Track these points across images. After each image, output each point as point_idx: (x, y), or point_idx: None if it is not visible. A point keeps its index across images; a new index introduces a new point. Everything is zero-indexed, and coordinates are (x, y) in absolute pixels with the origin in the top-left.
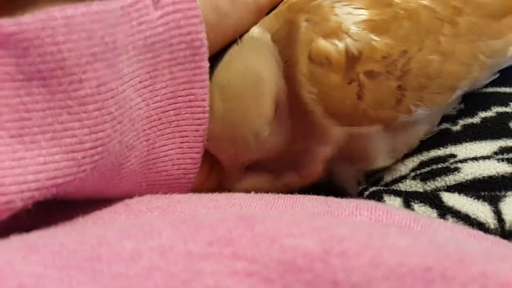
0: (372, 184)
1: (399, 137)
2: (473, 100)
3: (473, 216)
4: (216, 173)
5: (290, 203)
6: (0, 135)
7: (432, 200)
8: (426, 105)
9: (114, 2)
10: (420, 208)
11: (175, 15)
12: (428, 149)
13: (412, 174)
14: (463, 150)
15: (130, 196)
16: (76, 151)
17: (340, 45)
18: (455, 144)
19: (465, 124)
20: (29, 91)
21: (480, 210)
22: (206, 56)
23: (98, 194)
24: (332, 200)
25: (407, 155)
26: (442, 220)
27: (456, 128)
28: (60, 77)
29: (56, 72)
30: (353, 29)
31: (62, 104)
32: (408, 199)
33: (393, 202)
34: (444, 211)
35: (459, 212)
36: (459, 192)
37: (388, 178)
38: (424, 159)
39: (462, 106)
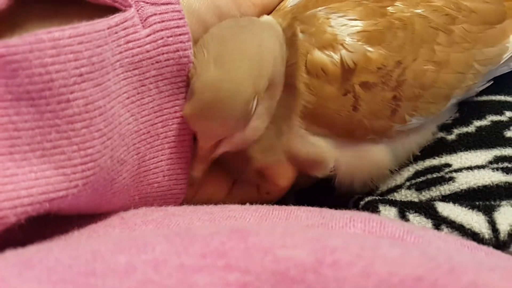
0: (367, 194)
1: (398, 146)
2: (468, 109)
3: (467, 226)
4: (240, 189)
5: (285, 214)
6: None
7: (427, 210)
8: (420, 114)
9: (101, 23)
10: (415, 218)
11: (163, 33)
12: (423, 158)
13: (407, 183)
14: (458, 159)
15: (125, 209)
16: (65, 167)
17: (336, 56)
18: (450, 153)
19: (460, 133)
20: (18, 111)
21: (475, 220)
22: (190, 69)
23: (93, 209)
24: (326, 212)
25: (402, 165)
26: (436, 231)
27: (451, 137)
28: (48, 97)
29: (44, 93)
30: (348, 40)
31: (51, 123)
32: (403, 209)
33: (388, 212)
34: (439, 221)
35: (454, 222)
36: (454, 202)
37: (383, 187)
38: (419, 169)
39: (457, 115)
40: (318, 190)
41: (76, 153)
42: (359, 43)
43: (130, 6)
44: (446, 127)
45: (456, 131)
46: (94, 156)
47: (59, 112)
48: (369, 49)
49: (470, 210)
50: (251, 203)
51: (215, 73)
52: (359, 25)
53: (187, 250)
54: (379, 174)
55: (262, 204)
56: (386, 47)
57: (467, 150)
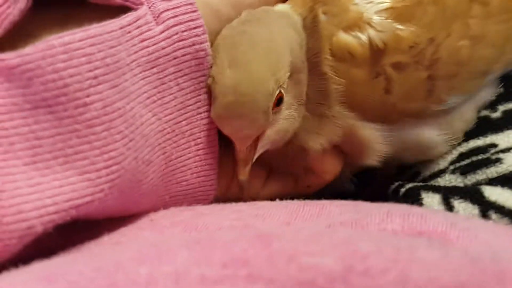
0: (408, 179)
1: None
2: None
3: None
4: (276, 180)
5: (316, 210)
6: (15, 163)
7: (473, 195)
8: (457, 92)
9: (112, 23)
10: (460, 205)
11: (178, 28)
12: (467, 139)
13: (451, 167)
14: (504, 138)
15: (155, 210)
16: (89, 172)
17: (363, 37)
18: (496, 132)
19: (505, 110)
20: (37, 119)
21: None
22: (210, 64)
23: (122, 212)
24: (361, 206)
25: None
26: (483, 221)
27: (496, 114)
28: (65, 103)
29: (60, 98)
30: (376, 18)
31: (70, 128)
32: (447, 195)
33: (431, 199)
34: (486, 206)
35: (503, 207)
36: (502, 185)
37: (426, 172)
38: (463, 151)
39: (502, 90)
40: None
41: (99, 157)
42: (388, 20)
43: (141, 4)
44: (490, 104)
45: (501, 108)
46: (118, 159)
47: (78, 117)
48: (399, 26)
49: None
50: (286, 197)
51: (231, 76)
52: (386, 1)
53: (208, 260)
54: (427, 156)
55: (297, 196)
56: (417, 23)
57: None
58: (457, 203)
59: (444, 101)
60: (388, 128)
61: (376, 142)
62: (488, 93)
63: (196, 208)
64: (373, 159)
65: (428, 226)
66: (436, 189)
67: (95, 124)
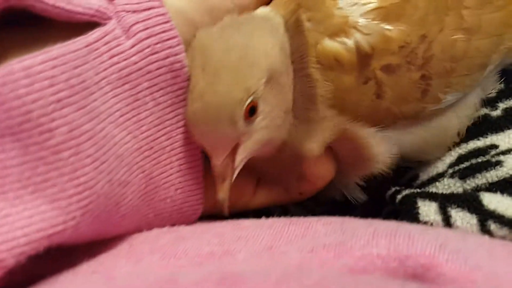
0: (406, 184)
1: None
2: None
3: None
4: (266, 189)
5: (302, 230)
6: None
7: (471, 203)
8: (455, 89)
9: (77, 42)
10: (457, 214)
11: (150, 40)
12: (466, 140)
13: (450, 171)
14: (505, 139)
15: (141, 229)
16: (60, 200)
17: (350, 42)
18: (496, 132)
19: (506, 108)
20: (3, 148)
21: None
22: (187, 75)
23: (101, 235)
24: (348, 224)
25: None
26: (478, 237)
27: (496, 113)
28: (29, 130)
29: (25, 125)
30: (362, 21)
31: (37, 156)
32: (445, 203)
33: (428, 208)
34: (485, 216)
35: (502, 216)
36: (502, 192)
37: (424, 176)
38: (463, 153)
39: (502, 85)
40: None
41: (69, 183)
42: (375, 22)
43: (110, 18)
44: (490, 102)
45: (502, 105)
46: (89, 184)
47: (43, 143)
48: (387, 27)
49: None
50: (278, 204)
51: (201, 82)
52: (372, 1)
53: None
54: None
55: (284, 209)
56: (407, 21)
57: None
58: (454, 212)
59: (441, 100)
60: (384, 130)
61: (379, 145)
62: (487, 86)
63: (179, 230)
64: (380, 164)
65: (416, 249)
66: (433, 197)
67: (61, 149)
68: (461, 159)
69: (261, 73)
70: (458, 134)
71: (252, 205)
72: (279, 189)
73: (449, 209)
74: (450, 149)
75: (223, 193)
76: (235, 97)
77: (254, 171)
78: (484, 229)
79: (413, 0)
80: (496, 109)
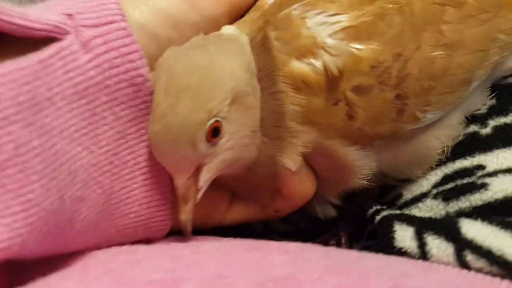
0: (390, 202)
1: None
2: (507, 94)
3: (497, 253)
4: (241, 205)
5: (257, 259)
6: None
7: (449, 231)
8: (436, 108)
9: (29, 58)
10: (433, 242)
11: (109, 55)
12: (453, 158)
13: (434, 191)
14: (493, 159)
15: (101, 244)
16: (5, 217)
17: (317, 64)
18: (485, 151)
19: (496, 126)
20: None
21: (508, 244)
22: (151, 89)
23: (57, 250)
24: (307, 255)
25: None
26: (447, 273)
27: (486, 131)
28: None
29: None
30: (330, 42)
31: None
32: (421, 229)
33: (404, 233)
34: (462, 245)
35: (480, 247)
36: (484, 218)
37: (408, 195)
38: (449, 172)
39: (494, 101)
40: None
41: (14, 200)
42: (344, 42)
43: (68, 33)
44: (480, 118)
45: (492, 123)
46: (36, 201)
47: None
48: (358, 46)
49: (503, 230)
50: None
51: (163, 103)
52: (342, 20)
53: None
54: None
55: (265, 224)
56: (380, 40)
57: (505, 147)
58: (431, 239)
59: (419, 119)
60: (361, 150)
61: (357, 160)
62: (473, 102)
63: (137, 250)
64: (360, 179)
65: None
66: (410, 221)
67: (7, 166)
68: (446, 179)
69: (224, 94)
70: (443, 153)
71: (226, 221)
72: (254, 206)
73: (425, 235)
74: (435, 168)
75: (185, 214)
76: (195, 119)
77: (225, 187)
78: (460, 260)
79: (387, 17)
80: (486, 126)
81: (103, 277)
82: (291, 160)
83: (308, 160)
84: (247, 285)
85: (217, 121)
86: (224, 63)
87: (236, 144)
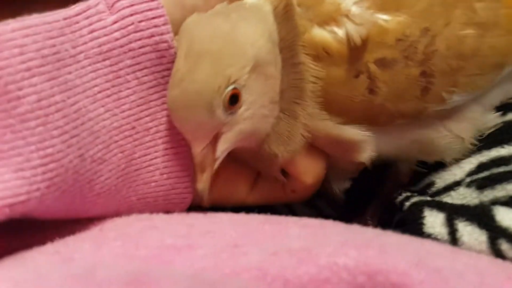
0: (421, 190)
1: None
2: None
3: None
4: (264, 186)
5: (275, 230)
6: None
7: (482, 218)
8: (464, 90)
9: (55, 14)
10: (465, 228)
11: (133, 18)
12: (489, 147)
13: (468, 179)
14: None
15: (121, 211)
16: (24, 170)
17: (340, 32)
18: None
19: None
20: None
21: None
22: (174, 57)
23: (76, 213)
24: (325, 229)
25: (463, 156)
26: (475, 257)
27: None
28: None
29: None
30: (354, 10)
31: (5, 123)
32: (452, 215)
33: (434, 219)
34: (496, 233)
35: None
36: None
37: (440, 183)
38: (484, 161)
39: None
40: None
41: (35, 153)
42: (370, 11)
43: None
44: None
45: None
46: (56, 156)
47: (11, 111)
48: (384, 17)
49: None
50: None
51: (182, 68)
52: None
53: None
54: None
55: (291, 209)
56: (408, 12)
57: None
58: (462, 226)
59: (445, 100)
60: (379, 130)
61: (365, 141)
62: (506, 90)
63: (154, 218)
64: (365, 155)
65: (387, 264)
66: (441, 207)
67: (29, 118)
68: (481, 167)
69: (245, 62)
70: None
71: (248, 201)
72: (277, 186)
73: (456, 221)
74: (470, 156)
75: (202, 183)
76: (213, 85)
77: (250, 167)
78: (494, 248)
79: None
80: None
81: (117, 240)
82: (296, 145)
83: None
84: (260, 254)
85: (235, 88)
86: (246, 31)
87: (255, 115)
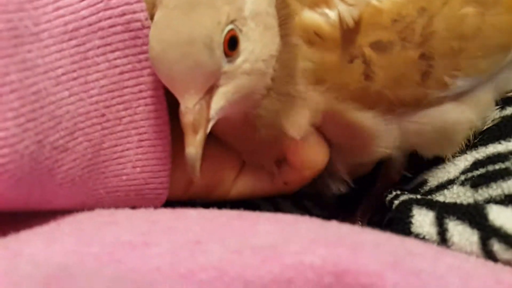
0: (413, 189)
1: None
2: None
3: None
4: (249, 176)
5: (244, 227)
6: None
7: (474, 216)
8: (467, 74)
9: None
10: (456, 228)
11: None
12: (485, 143)
13: (462, 177)
14: None
15: (87, 204)
16: None
17: (332, 14)
18: None
19: None
20: None
21: None
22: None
23: (38, 204)
24: (296, 226)
25: (458, 153)
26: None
27: None
28: None
29: None
30: None
31: None
32: (442, 214)
33: (423, 218)
34: (488, 233)
35: (510, 236)
36: None
37: (433, 182)
38: (480, 157)
39: None
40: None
41: None
42: None
43: None
44: None
45: None
46: (9, 140)
47: None
48: None
49: None
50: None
51: (171, 13)
52: None
53: None
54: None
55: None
56: None
57: None
58: (453, 225)
59: (448, 85)
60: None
61: (376, 125)
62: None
63: (117, 214)
64: (381, 147)
65: (358, 263)
66: (431, 205)
67: None
68: (476, 164)
69: (243, 4)
70: (473, 132)
71: (233, 193)
72: (264, 177)
73: (446, 220)
74: (465, 153)
75: (194, 148)
76: (213, 20)
77: (236, 154)
78: (486, 249)
79: None
80: None
81: (72, 235)
82: (295, 127)
83: (318, 127)
84: (222, 252)
85: (234, 30)
86: None
87: (253, 69)
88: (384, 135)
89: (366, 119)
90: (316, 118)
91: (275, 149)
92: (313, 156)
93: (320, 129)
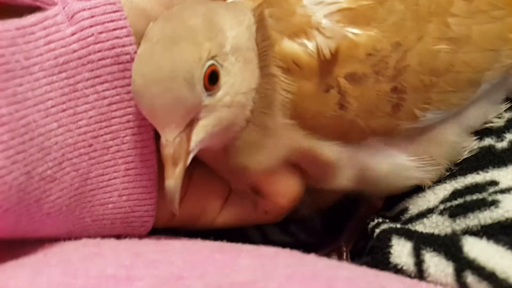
0: (395, 216)
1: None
2: None
3: (501, 275)
4: (235, 206)
5: (225, 261)
6: None
7: (449, 248)
8: (437, 107)
9: (7, 23)
10: (432, 260)
11: (93, 29)
12: (464, 173)
13: (441, 207)
14: (507, 175)
15: (74, 233)
16: None
17: (310, 45)
18: (499, 166)
19: None
20: None
21: None
22: None
23: (25, 232)
24: (276, 260)
25: (438, 182)
26: None
27: (502, 145)
28: None
29: None
30: (325, 22)
31: None
32: (420, 245)
33: (402, 248)
34: (463, 265)
35: (483, 268)
36: (489, 238)
37: (414, 210)
38: (459, 187)
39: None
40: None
41: None
42: (340, 25)
43: (54, 4)
44: (495, 132)
45: (509, 137)
46: None
47: None
48: (354, 31)
49: (510, 251)
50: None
51: (153, 48)
52: (340, 0)
53: None
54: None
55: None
56: (378, 26)
57: None
58: (429, 257)
59: (418, 117)
60: (351, 149)
61: (342, 161)
62: (483, 110)
63: (102, 244)
64: (341, 180)
65: None
66: (409, 235)
67: None
68: (455, 194)
69: (223, 40)
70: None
71: (218, 222)
72: (248, 206)
73: (423, 251)
74: (445, 182)
75: (174, 180)
76: (194, 55)
77: (223, 182)
78: (460, 281)
79: (388, 3)
80: (502, 140)
81: (58, 267)
82: (266, 158)
83: (290, 160)
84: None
85: (215, 65)
86: (225, 16)
87: (233, 102)
88: (346, 168)
89: (332, 152)
90: (290, 153)
91: (248, 178)
92: (284, 186)
93: (293, 161)
